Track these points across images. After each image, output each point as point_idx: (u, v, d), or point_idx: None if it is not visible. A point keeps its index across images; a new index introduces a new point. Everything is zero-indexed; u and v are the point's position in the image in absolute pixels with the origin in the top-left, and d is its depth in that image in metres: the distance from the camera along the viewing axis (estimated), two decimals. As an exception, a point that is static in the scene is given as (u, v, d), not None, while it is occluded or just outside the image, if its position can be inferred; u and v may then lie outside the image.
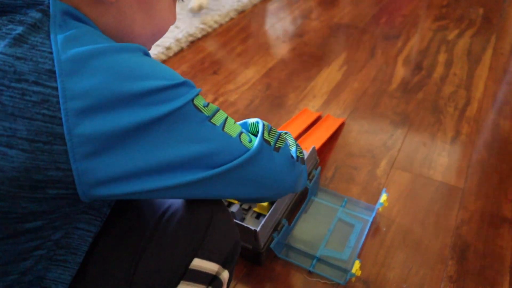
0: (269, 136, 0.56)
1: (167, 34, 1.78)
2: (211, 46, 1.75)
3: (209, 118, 0.48)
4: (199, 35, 1.83)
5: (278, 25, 1.91)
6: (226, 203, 0.90)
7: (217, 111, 0.50)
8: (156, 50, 1.65)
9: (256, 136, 0.55)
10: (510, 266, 0.88)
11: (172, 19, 0.56)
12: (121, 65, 0.43)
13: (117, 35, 0.50)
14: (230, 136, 0.50)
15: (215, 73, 1.55)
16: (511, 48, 1.70)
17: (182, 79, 0.47)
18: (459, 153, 1.16)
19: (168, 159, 0.45)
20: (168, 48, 1.70)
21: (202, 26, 1.87)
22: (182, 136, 0.46)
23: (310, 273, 0.86)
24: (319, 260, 0.88)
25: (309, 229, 0.94)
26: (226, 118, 0.51)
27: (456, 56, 1.63)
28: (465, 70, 1.54)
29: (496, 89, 1.44)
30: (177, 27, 1.85)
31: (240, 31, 1.86)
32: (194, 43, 1.78)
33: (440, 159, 1.14)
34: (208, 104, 0.49)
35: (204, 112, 0.47)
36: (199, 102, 0.47)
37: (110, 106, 0.41)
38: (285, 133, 0.64)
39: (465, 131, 1.24)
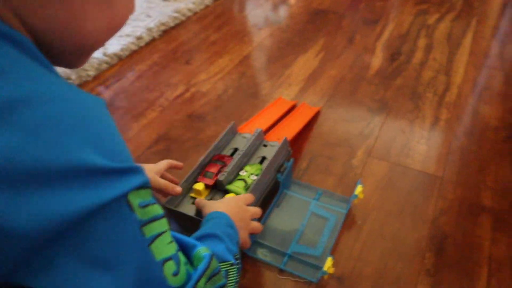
0: (205, 286, 0.45)
1: (138, 24, 1.71)
2: (184, 35, 1.68)
3: (141, 223, 0.38)
4: (172, 24, 1.76)
5: (255, 12, 1.85)
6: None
7: (156, 218, 0.39)
8: (126, 41, 1.58)
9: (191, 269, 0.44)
10: (489, 257, 0.84)
11: (132, 8, 0.44)
12: (55, 120, 0.33)
13: (61, 36, 0.38)
14: (153, 259, 0.39)
15: (187, 62, 1.49)
16: (492, 32, 1.66)
17: (129, 162, 0.37)
18: (438, 141, 1.12)
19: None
20: (139, 38, 1.63)
21: (175, 14, 1.80)
22: (92, 250, 0.34)
23: (281, 271, 0.81)
24: (291, 257, 0.83)
25: (280, 225, 0.90)
26: (163, 233, 0.40)
27: (436, 40, 1.59)
28: (445, 55, 1.50)
29: (476, 74, 1.40)
30: (148, 16, 1.78)
31: (215, 19, 1.79)
32: (167, 32, 1.71)
33: (419, 147, 1.10)
34: (148, 204, 0.38)
35: (137, 214, 0.37)
36: (135, 198, 0.37)
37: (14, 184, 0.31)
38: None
39: (445, 118, 1.20)
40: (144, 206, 0.38)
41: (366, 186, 0.97)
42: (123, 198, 0.36)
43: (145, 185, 0.38)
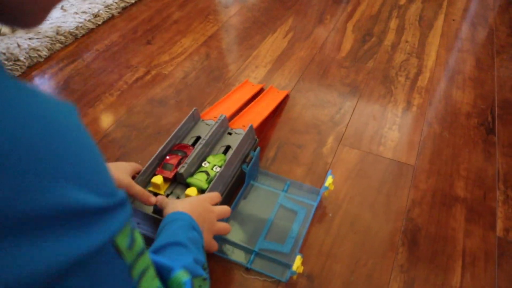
0: None
1: (95, 0, 1.59)
2: (145, 12, 1.58)
3: (130, 267, 0.34)
4: (133, 0, 1.65)
5: (221, -11, 1.76)
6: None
7: (141, 253, 0.35)
8: (82, 18, 1.47)
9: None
10: (462, 250, 0.81)
11: None
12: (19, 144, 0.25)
13: None
14: None
15: (148, 43, 1.39)
16: (462, 14, 1.63)
17: (115, 195, 0.30)
18: (411, 127, 1.08)
19: None
20: (96, 16, 1.51)
21: (136, -10, 1.68)
22: None
23: (247, 270, 0.76)
24: (258, 254, 0.77)
25: (247, 219, 0.84)
26: (147, 268, 0.37)
27: (408, 22, 1.55)
28: (416, 37, 1.45)
29: (448, 57, 1.36)
30: (107, -9, 1.66)
31: (178, -4, 1.69)
32: (127, 9, 1.60)
33: (391, 133, 1.05)
34: (134, 240, 0.33)
35: (126, 258, 0.32)
36: (123, 240, 0.31)
37: None
38: None
39: (417, 103, 1.16)
40: (131, 245, 0.33)
41: (336, 176, 0.92)
42: (111, 242, 0.30)
43: (130, 217, 0.32)
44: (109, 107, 1.12)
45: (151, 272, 0.37)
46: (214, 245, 0.69)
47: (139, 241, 0.35)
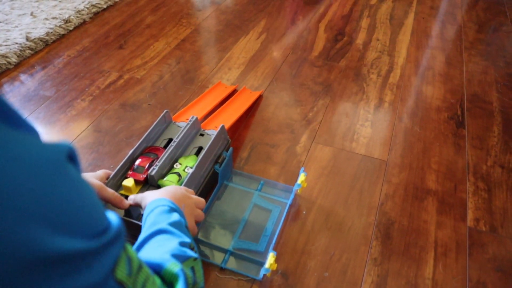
0: None
1: (66, 5, 1.57)
2: (117, 17, 1.57)
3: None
4: (105, 6, 1.64)
5: (193, -7, 1.76)
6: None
7: (140, 268, 0.35)
8: (52, 24, 1.45)
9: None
10: (435, 241, 0.82)
11: None
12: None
13: None
14: None
15: (121, 47, 1.38)
16: (431, 12, 1.66)
17: (107, 233, 0.29)
18: (383, 123, 1.10)
19: None
20: (67, 21, 1.50)
21: (108, -5, 1.67)
22: None
23: (222, 269, 0.75)
24: (233, 254, 0.77)
25: (221, 219, 0.83)
26: (147, 278, 0.37)
27: (379, 21, 1.57)
28: (387, 36, 1.48)
29: (418, 54, 1.39)
30: (79, -3, 1.64)
31: (151, 0, 1.68)
32: (99, 14, 1.58)
33: (364, 130, 1.07)
34: (130, 258, 0.32)
35: (128, 284, 0.32)
36: (122, 270, 0.31)
37: None
38: None
39: (389, 99, 1.18)
40: (130, 269, 0.32)
41: (310, 173, 0.93)
42: (110, 277, 0.29)
43: (125, 243, 0.31)
44: (81, 112, 1.11)
45: (150, 279, 0.37)
46: (195, 229, 0.69)
47: (134, 257, 0.33)
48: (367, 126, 1.08)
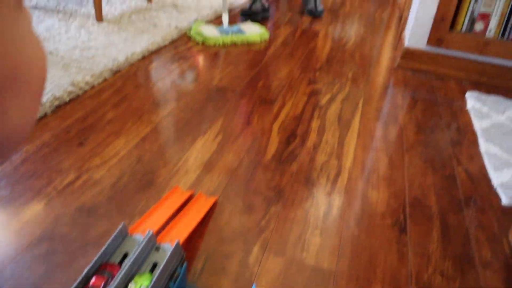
0: None
1: (27, 98, 1.60)
2: (79, 111, 1.61)
3: None
4: (67, 99, 1.68)
5: (155, 88, 1.84)
6: None
7: None
8: (11, 118, 1.47)
9: None
10: None
11: (27, 130, 0.33)
12: None
13: None
14: None
15: (81, 144, 1.42)
16: (376, 113, 1.81)
17: None
18: (331, 231, 1.16)
19: None
20: (27, 115, 1.52)
21: (71, 88, 1.72)
22: None
23: None
24: None
25: None
26: None
27: (328, 121, 1.69)
28: (336, 137, 1.59)
29: (364, 157, 1.50)
30: (41, 89, 1.68)
31: (113, 94, 1.75)
32: (61, 107, 1.63)
33: (313, 238, 1.12)
34: None
35: None
36: None
37: None
38: None
39: (337, 205, 1.25)
40: None
41: (262, 286, 0.96)
42: None
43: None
44: (36, 216, 1.11)
45: None
46: None
47: None
48: (316, 234, 1.14)
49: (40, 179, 1.25)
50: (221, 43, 2.44)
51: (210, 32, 2.49)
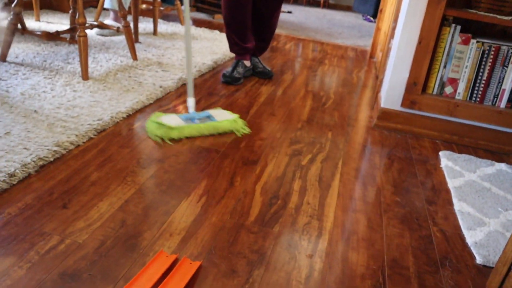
0: None
1: (12, 157, 1.62)
2: (63, 171, 1.63)
3: None
4: (51, 159, 1.70)
5: (139, 147, 1.88)
6: None
7: None
8: (-4, 179, 1.48)
9: None
10: None
11: None
12: None
13: None
14: None
15: (64, 206, 1.43)
16: (355, 174, 1.87)
17: None
18: (313, 295, 1.18)
19: None
20: (12, 175, 1.53)
21: (55, 148, 1.75)
22: None
23: None
24: None
25: None
26: None
27: (309, 182, 1.74)
28: (317, 198, 1.64)
29: (344, 218, 1.54)
30: (26, 149, 1.71)
31: (98, 154, 1.78)
32: (45, 167, 1.64)
33: (295, 303, 1.14)
34: None
35: None
36: None
37: None
38: None
39: (318, 267, 1.28)
40: None
41: None
42: None
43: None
44: (17, 283, 1.11)
45: None
46: None
47: None
48: (298, 299, 1.16)
49: (22, 243, 1.25)
50: (186, 135, 2.02)
51: (173, 121, 2.04)
